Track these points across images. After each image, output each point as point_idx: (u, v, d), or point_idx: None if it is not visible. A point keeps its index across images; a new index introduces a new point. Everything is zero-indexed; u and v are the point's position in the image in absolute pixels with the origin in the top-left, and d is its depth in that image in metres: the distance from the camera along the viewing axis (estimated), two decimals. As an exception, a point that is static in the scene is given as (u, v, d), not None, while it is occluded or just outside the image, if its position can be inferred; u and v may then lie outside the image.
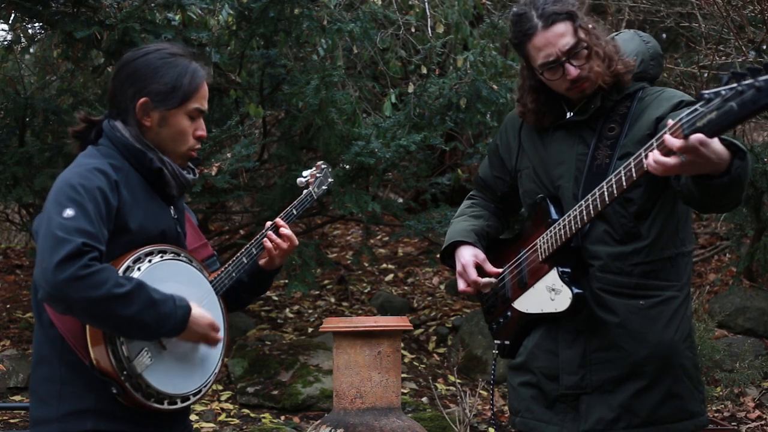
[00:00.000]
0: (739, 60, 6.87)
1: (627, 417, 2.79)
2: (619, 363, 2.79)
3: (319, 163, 3.23)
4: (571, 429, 2.83)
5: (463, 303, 8.19)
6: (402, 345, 6.11)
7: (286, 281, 6.99)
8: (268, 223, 2.86)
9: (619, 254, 2.78)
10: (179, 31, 6.11)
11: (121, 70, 2.58)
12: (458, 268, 2.99)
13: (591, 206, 2.66)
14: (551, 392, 2.87)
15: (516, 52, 2.89)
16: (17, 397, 6.42)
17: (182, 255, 2.57)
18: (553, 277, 2.81)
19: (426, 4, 7.25)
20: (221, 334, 2.55)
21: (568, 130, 2.88)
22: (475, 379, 6.94)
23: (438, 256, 7.99)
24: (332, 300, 8.36)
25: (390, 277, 8.90)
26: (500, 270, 2.98)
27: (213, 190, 6.81)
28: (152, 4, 6.12)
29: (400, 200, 9.00)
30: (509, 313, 2.96)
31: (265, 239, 2.82)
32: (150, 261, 2.45)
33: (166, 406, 2.47)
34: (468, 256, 2.98)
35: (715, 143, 2.31)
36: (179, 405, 2.51)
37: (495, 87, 6.52)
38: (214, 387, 6.74)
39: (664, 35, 10.02)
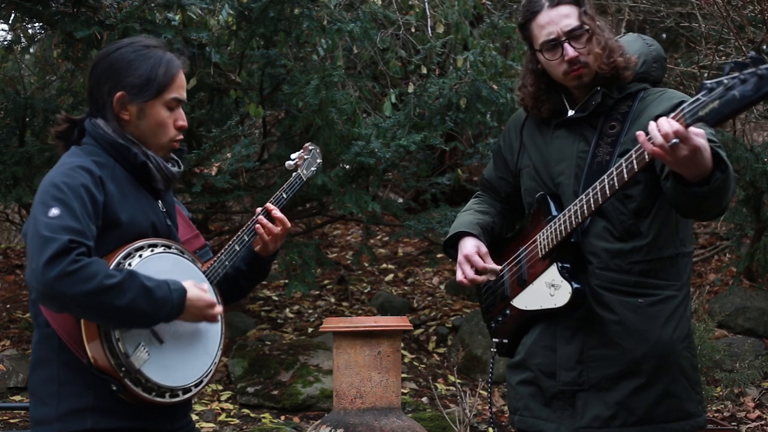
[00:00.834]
0: (739, 60, 6.86)
1: (623, 415, 2.79)
2: (616, 360, 2.79)
3: (306, 144, 3.19)
4: (568, 426, 2.83)
5: (463, 303, 8.19)
6: (402, 345, 6.11)
7: (286, 281, 6.99)
8: (259, 209, 2.85)
9: (618, 251, 2.79)
10: (179, 31, 6.11)
11: (96, 66, 2.57)
12: (459, 258, 2.98)
13: (592, 200, 2.67)
14: (549, 389, 2.87)
15: (521, 35, 2.93)
16: (17, 397, 6.42)
17: (173, 247, 2.56)
18: (552, 273, 2.81)
19: (426, 4, 7.25)
20: (219, 309, 2.53)
21: (569, 128, 2.89)
22: (475, 379, 6.94)
23: (438, 255, 8.08)
24: (332, 300, 8.36)
25: (390, 277, 8.89)
26: (500, 267, 2.98)
27: (213, 190, 6.80)
28: (152, 4, 6.12)
29: (400, 200, 8.99)
30: (508, 312, 2.96)
31: (257, 225, 2.81)
32: (141, 256, 2.44)
33: (167, 398, 2.47)
34: (470, 247, 2.97)
35: (706, 151, 2.38)
36: (181, 397, 2.50)
37: (495, 87, 6.52)
38: (214, 387, 6.74)
39: (664, 35, 10.02)
